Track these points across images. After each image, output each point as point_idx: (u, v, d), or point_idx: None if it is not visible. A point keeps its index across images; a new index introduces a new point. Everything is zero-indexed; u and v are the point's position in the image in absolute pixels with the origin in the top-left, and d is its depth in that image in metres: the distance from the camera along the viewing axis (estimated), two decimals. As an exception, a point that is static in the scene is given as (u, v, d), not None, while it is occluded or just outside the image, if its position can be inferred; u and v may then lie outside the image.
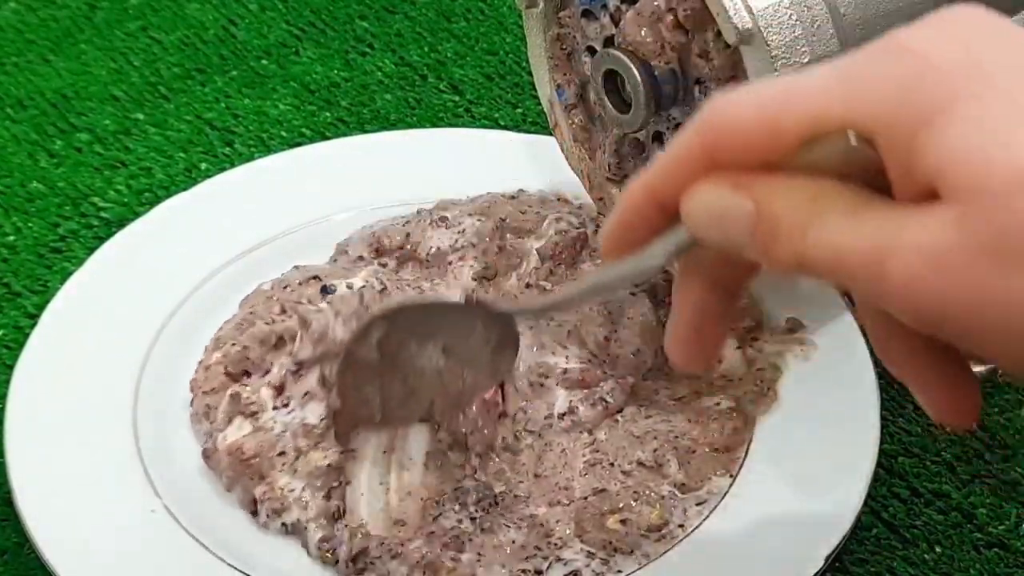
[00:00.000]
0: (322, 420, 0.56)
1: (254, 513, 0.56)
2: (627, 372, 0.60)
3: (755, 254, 0.36)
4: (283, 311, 0.61)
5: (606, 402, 0.59)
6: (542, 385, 0.59)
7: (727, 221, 0.37)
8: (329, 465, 0.55)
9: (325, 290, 0.62)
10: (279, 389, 0.57)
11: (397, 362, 0.52)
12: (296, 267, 0.64)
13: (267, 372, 0.58)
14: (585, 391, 0.59)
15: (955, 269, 0.33)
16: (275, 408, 0.57)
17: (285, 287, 0.63)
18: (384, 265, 0.65)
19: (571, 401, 0.58)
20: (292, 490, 0.55)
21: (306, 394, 0.57)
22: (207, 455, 0.57)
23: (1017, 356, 0.34)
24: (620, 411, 0.59)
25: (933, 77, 0.34)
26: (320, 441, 0.56)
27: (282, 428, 0.56)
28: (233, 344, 0.60)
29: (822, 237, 0.35)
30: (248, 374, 0.59)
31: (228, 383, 0.59)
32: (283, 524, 0.55)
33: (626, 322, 0.61)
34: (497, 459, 0.57)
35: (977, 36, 0.35)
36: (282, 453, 0.55)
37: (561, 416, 0.58)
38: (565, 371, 0.59)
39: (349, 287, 0.61)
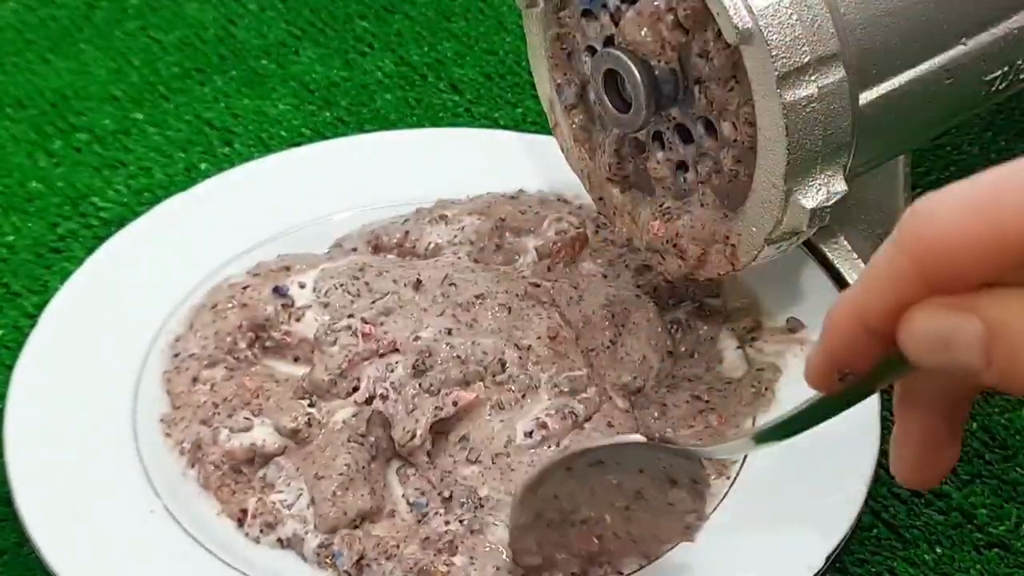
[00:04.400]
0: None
1: (240, 523, 0.55)
2: (632, 379, 0.60)
3: (993, 377, 0.34)
4: (241, 325, 0.61)
5: (575, 415, 0.57)
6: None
7: (955, 346, 0.34)
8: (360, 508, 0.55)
9: (277, 291, 0.61)
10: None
11: (573, 512, 0.50)
12: (280, 256, 0.64)
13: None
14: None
15: None
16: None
17: (245, 287, 0.62)
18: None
19: (538, 418, 0.57)
20: (289, 505, 0.55)
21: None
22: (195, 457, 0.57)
23: None
24: (588, 420, 0.58)
25: None
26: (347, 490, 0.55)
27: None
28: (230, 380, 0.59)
29: None
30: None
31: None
32: (278, 539, 0.54)
33: (631, 327, 0.61)
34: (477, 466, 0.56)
35: None
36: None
37: (528, 434, 0.56)
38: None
39: (301, 286, 0.61)
